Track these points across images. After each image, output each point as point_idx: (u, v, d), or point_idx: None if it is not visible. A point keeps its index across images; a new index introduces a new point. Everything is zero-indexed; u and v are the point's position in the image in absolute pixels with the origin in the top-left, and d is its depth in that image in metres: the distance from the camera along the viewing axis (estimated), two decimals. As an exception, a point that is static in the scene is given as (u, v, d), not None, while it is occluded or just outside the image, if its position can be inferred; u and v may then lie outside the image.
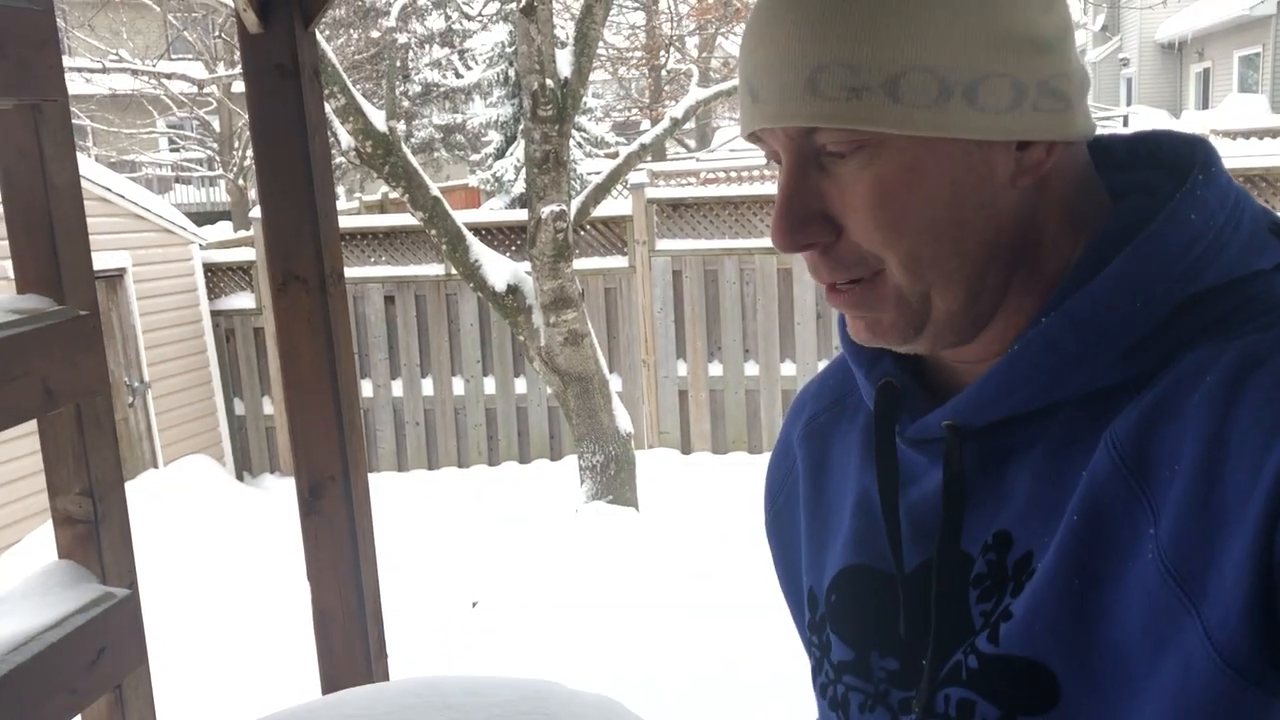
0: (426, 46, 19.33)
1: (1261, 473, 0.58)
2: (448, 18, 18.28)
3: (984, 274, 0.72)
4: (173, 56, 16.46)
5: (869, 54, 0.68)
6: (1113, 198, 0.76)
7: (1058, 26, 0.71)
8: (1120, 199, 0.75)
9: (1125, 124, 15.40)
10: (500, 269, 6.47)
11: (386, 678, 2.49)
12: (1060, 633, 0.67)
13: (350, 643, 2.43)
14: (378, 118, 6.05)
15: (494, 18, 16.07)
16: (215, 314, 9.08)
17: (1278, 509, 0.56)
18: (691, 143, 22.16)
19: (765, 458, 1.00)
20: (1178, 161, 0.75)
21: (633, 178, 8.30)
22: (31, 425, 1.72)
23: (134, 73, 13.77)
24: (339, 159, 7.16)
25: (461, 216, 6.71)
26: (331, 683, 2.43)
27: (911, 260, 0.71)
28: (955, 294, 0.72)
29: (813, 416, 0.93)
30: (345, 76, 5.91)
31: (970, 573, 0.73)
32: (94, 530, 1.82)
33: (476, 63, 18.39)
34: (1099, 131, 0.77)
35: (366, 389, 8.86)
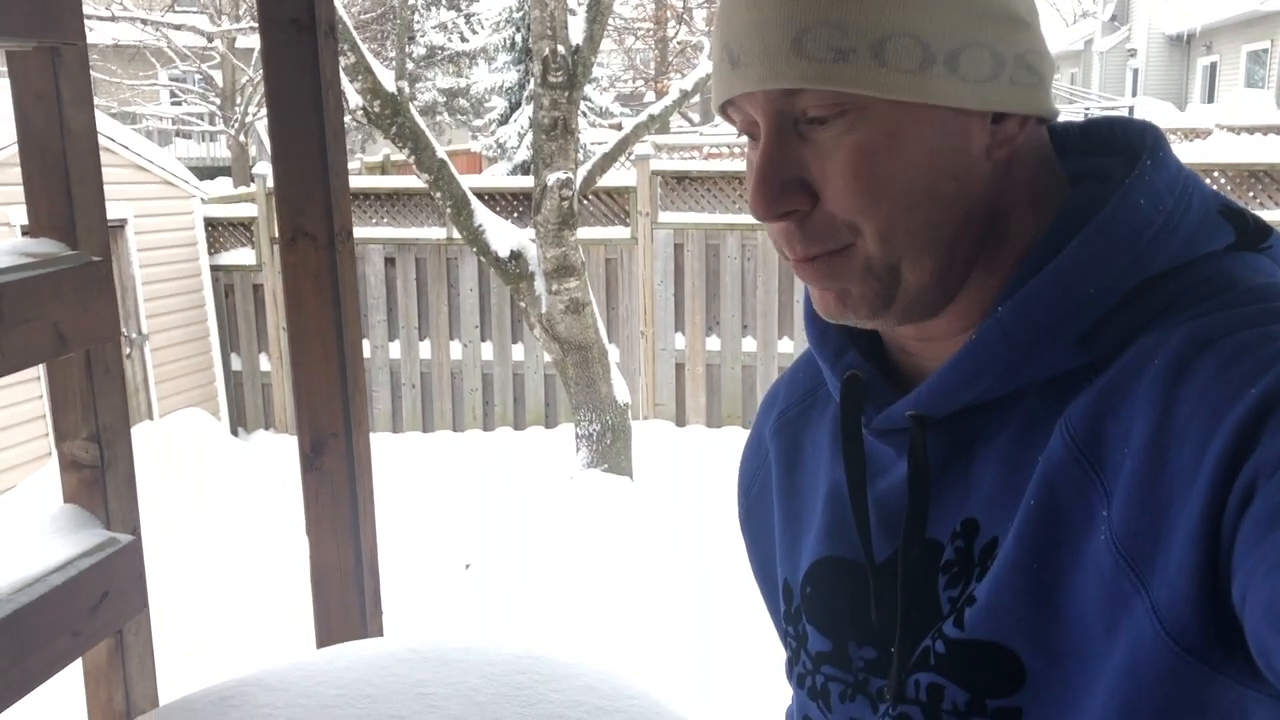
0: (433, 9, 19.19)
1: (1205, 454, 0.58)
2: (456, -20, 18.14)
3: (954, 247, 0.72)
4: (178, 9, 16.32)
5: (856, 16, 0.67)
6: (1070, 182, 0.77)
7: (1030, 7, 0.73)
8: (1077, 184, 0.76)
9: (1131, 114, 15.36)
10: (504, 234, 6.47)
11: (381, 634, 2.51)
12: (1022, 616, 0.68)
13: (346, 597, 2.44)
14: (387, 77, 6.02)
15: (503, -18, 15.95)
16: (215, 269, 9.06)
17: (1222, 490, 0.57)
18: (695, 116, 22.03)
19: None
20: (1130, 147, 0.76)
21: (637, 149, 8.27)
22: (28, 371, 1.73)
23: (142, 22, 13.64)
24: (344, 117, 7.14)
25: (466, 181, 6.69)
26: (327, 636, 2.44)
27: (887, 229, 0.70)
28: (925, 266, 0.72)
29: (784, 410, 0.93)
30: (355, 34, 5.88)
31: (940, 560, 0.74)
32: (100, 476, 1.83)
33: (483, 27, 18.27)
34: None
35: (364, 349, 8.86)
